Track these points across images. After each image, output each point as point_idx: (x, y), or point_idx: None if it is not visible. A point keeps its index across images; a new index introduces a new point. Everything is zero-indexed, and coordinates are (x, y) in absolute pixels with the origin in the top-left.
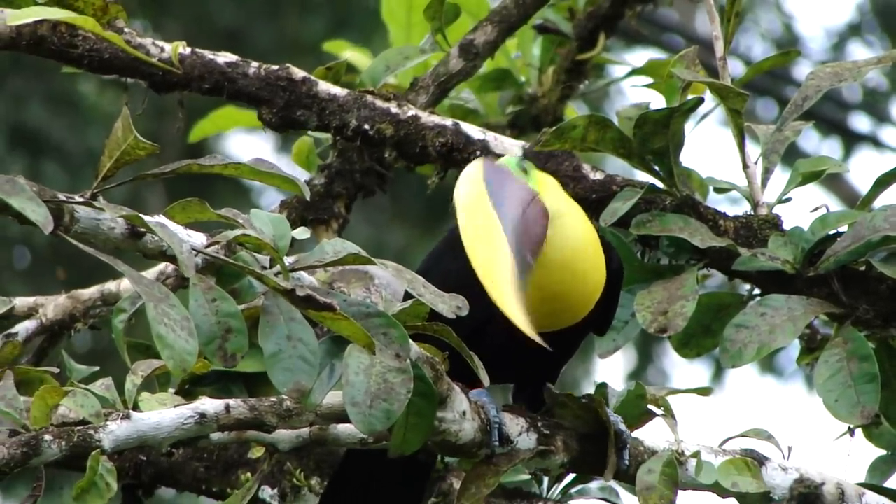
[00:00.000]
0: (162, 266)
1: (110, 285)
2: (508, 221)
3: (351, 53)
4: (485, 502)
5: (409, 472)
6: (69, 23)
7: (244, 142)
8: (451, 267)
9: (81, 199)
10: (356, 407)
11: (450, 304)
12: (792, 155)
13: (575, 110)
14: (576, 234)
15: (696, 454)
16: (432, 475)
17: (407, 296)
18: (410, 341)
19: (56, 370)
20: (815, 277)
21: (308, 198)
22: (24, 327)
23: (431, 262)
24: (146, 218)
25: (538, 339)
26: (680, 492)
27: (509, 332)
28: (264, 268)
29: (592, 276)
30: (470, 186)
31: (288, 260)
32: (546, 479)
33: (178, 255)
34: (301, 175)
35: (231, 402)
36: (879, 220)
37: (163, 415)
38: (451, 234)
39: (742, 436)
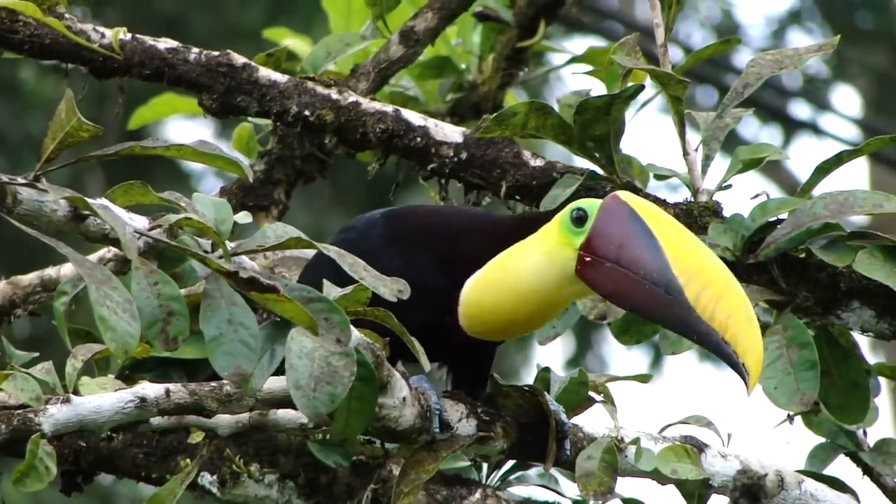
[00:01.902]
0: (102, 252)
1: (50, 271)
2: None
3: (291, 41)
4: (424, 488)
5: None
6: (10, 8)
7: (184, 128)
8: (393, 265)
9: (24, 181)
10: (300, 390)
11: (391, 288)
12: (732, 142)
13: (515, 98)
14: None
15: (636, 441)
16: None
17: (348, 282)
18: (351, 326)
19: None
20: (755, 264)
21: (251, 179)
22: None
23: (370, 260)
24: (89, 200)
25: None
26: (619, 479)
27: (449, 334)
28: (206, 252)
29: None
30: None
31: (230, 245)
32: (485, 466)
33: (121, 237)
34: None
35: (171, 386)
36: (819, 207)
37: (103, 398)
38: (389, 224)
39: (682, 422)
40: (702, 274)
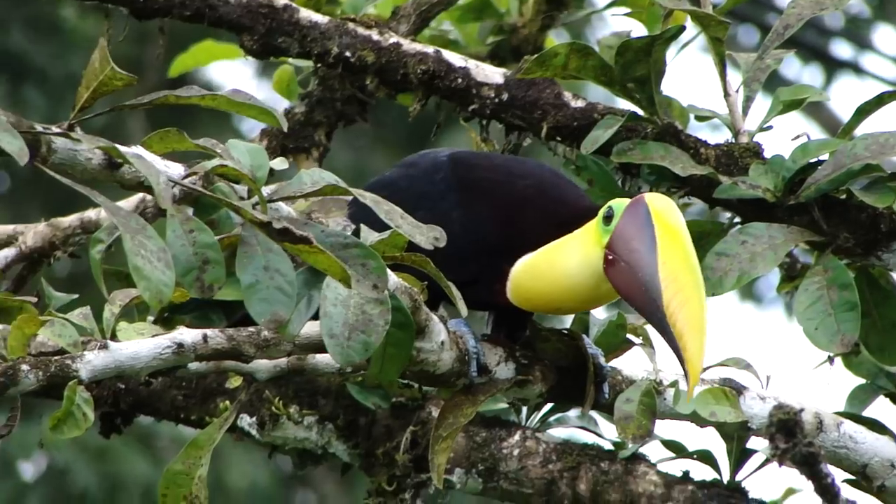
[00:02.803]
0: (142, 195)
1: (90, 213)
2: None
3: None
4: (463, 430)
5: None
6: None
7: (225, 68)
8: (455, 214)
9: (58, 130)
10: (334, 339)
11: (427, 236)
12: (773, 83)
13: (555, 40)
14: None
15: (675, 384)
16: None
17: (385, 225)
18: (389, 271)
19: (34, 299)
20: (796, 206)
21: (286, 129)
22: (3, 255)
23: (431, 202)
24: (123, 149)
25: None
26: (658, 421)
27: (496, 296)
28: (242, 198)
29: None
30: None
31: (266, 190)
32: (524, 408)
33: (155, 186)
34: (282, 103)
35: (209, 332)
36: (860, 148)
37: (140, 345)
38: (457, 170)
39: (720, 365)
40: (677, 281)
